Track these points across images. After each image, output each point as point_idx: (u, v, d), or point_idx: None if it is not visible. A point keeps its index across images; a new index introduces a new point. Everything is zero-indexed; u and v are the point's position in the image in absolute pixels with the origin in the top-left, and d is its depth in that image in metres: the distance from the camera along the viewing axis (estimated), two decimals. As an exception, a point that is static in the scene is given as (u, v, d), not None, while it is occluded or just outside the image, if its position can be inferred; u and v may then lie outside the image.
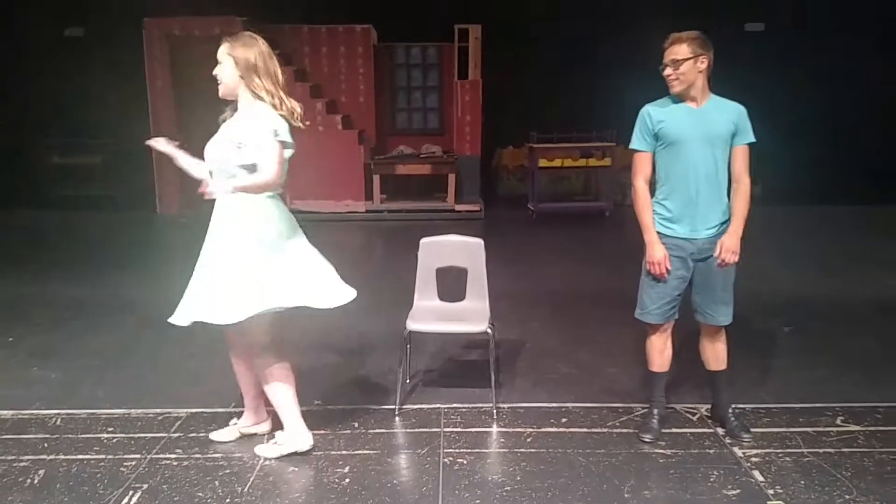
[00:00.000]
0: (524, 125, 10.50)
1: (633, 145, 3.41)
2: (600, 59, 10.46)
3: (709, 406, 3.71)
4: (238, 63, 3.10)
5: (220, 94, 3.16)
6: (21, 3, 10.66)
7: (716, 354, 3.53)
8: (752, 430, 3.55)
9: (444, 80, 11.10)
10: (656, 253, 3.31)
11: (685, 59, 3.21)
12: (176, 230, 8.81)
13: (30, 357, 4.68)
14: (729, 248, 3.25)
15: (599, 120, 10.04)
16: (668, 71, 3.26)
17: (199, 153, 3.28)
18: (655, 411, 3.57)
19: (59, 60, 10.90)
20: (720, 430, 3.57)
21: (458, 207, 10.20)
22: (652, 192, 3.42)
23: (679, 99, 3.32)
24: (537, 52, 10.82)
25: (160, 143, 3.36)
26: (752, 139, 3.32)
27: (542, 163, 10.05)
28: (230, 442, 3.48)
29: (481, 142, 10.74)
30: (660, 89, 3.36)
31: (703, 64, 3.24)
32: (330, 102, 10.39)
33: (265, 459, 3.32)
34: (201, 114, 3.26)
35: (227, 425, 3.55)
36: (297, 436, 3.35)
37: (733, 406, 3.62)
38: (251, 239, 3.09)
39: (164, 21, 9.87)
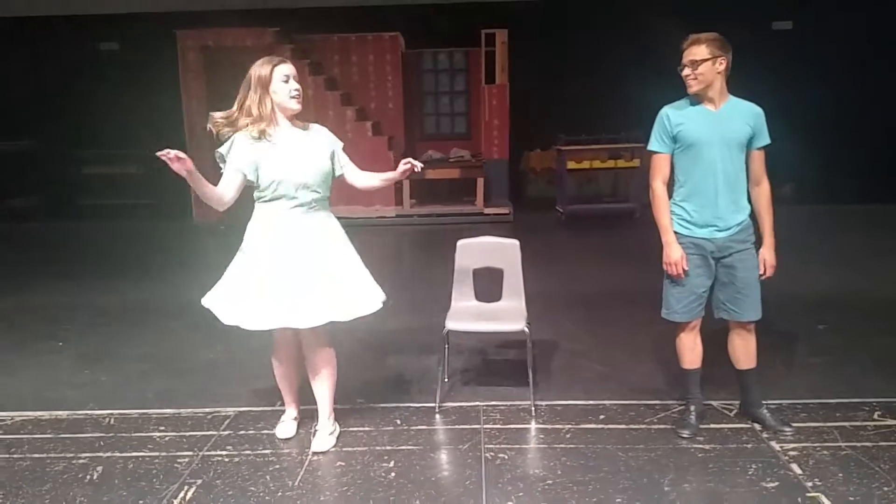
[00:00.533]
0: (551, 128, 10.56)
1: (651, 147, 3.47)
2: (627, 60, 10.49)
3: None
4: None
5: (299, 107, 3.31)
6: (57, 19, 10.96)
7: (747, 352, 3.56)
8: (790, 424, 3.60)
9: (471, 84, 11.22)
10: (673, 254, 3.39)
11: (703, 59, 3.26)
12: (214, 237, 9.02)
13: (79, 360, 4.85)
14: (771, 263, 3.40)
15: (627, 121, 10.04)
16: (686, 71, 3.31)
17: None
18: (692, 407, 3.62)
19: (95, 74, 11.22)
20: (757, 427, 3.60)
21: (487, 210, 10.29)
22: (670, 193, 3.49)
23: (697, 101, 3.37)
24: (563, 55, 10.90)
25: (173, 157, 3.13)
26: (768, 141, 3.38)
27: (571, 165, 10.10)
28: (294, 437, 3.64)
29: (509, 145, 10.84)
30: (683, 91, 3.42)
31: (721, 65, 3.28)
32: (359, 110, 10.55)
33: (314, 454, 3.43)
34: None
35: (281, 422, 3.71)
36: (334, 420, 3.64)
37: (765, 402, 3.65)
38: (348, 244, 3.46)
39: (196, 33, 10.09)
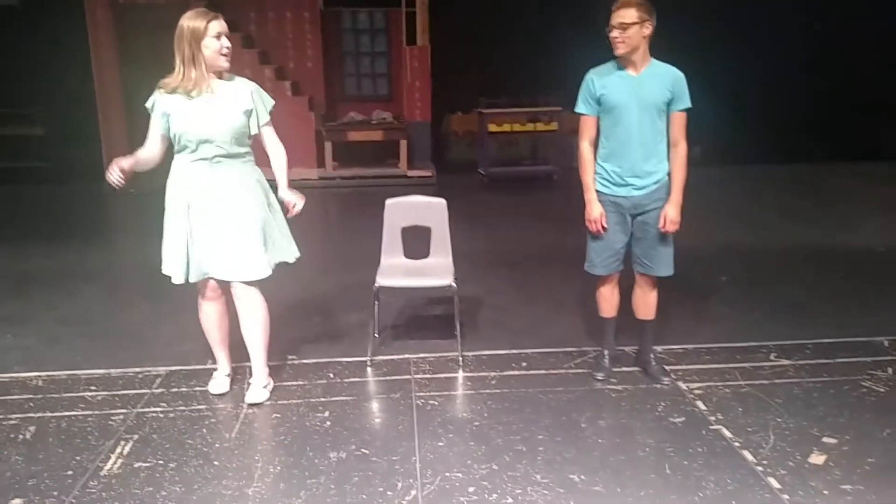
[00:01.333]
0: (473, 91, 10.69)
1: (577, 109, 3.59)
2: (548, 23, 10.70)
3: (655, 348, 4.02)
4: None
5: (227, 65, 3.34)
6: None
7: (647, 304, 3.76)
8: (695, 366, 3.93)
9: (392, 45, 11.18)
10: (593, 211, 3.55)
11: (633, 23, 3.32)
12: (126, 201, 8.77)
13: (1, 324, 4.75)
14: (672, 219, 3.48)
15: (547, 85, 10.29)
16: (615, 33, 3.36)
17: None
18: (606, 352, 3.88)
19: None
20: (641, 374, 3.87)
21: (411, 173, 10.37)
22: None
23: (620, 66, 3.46)
24: (485, 18, 10.97)
25: (116, 172, 3.27)
26: (688, 105, 3.47)
27: (492, 128, 10.28)
28: (227, 393, 3.69)
29: (431, 108, 10.90)
30: (606, 54, 3.55)
31: (647, 29, 3.36)
32: (278, 69, 10.40)
33: (249, 406, 3.52)
34: (149, 82, 3.36)
35: (213, 378, 3.75)
36: (268, 374, 3.71)
37: (654, 352, 3.91)
38: (262, 200, 3.48)
39: (107, -12, 9.68)
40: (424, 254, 4.32)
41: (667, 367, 3.89)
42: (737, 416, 3.41)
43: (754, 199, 8.73)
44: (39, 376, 3.95)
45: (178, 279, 3.42)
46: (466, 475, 2.96)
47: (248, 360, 3.66)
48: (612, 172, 3.53)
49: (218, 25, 3.26)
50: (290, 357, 4.12)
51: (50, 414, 3.53)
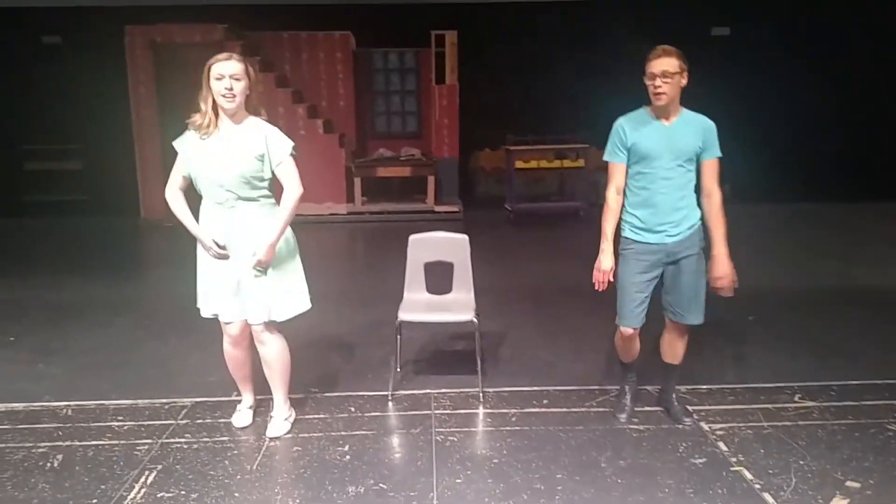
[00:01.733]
0: (500, 128, 10.84)
1: (606, 157, 3.53)
2: (573, 63, 10.84)
3: (679, 388, 4.00)
4: (250, 79, 3.32)
5: (232, 108, 3.28)
6: (-1, 11, 10.77)
7: (674, 350, 3.73)
8: (718, 407, 3.89)
9: (421, 84, 11.39)
10: (605, 262, 3.49)
11: (675, 72, 3.26)
12: (161, 234, 8.99)
13: (33, 354, 4.88)
14: (718, 275, 3.45)
15: (573, 122, 10.41)
16: (657, 82, 3.27)
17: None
18: (627, 389, 3.85)
19: (38, 68, 11.04)
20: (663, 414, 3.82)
21: (438, 208, 10.48)
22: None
23: (652, 115, 3.41)
24: (512, 58, 11.17)
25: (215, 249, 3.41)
26: (719, 154, 3.43)
27: (518, 164, 10.37)
28: (250, 426, 3.75)
29: (459, 144, 11.05)
30: (628, 94, 3.58)
31: (685, 79, 3.32)
32: (311, 107, 10.62)
33: (270, 440, 3.57)
34: (184, 119, 3.45)
35: (238, 411, 3.82)
36: (290, 406, 3.79)
37: (676, 393, 3.87)
38: (290, 244, 3.52)
39: (146, 28, 10.02)
40: (447, 289, 4.36)
41: (689, 408, 3.86)
42: (759, 457, 3.37)
43: (784, 237, 8.67)
44: (69, 405, 4.04)
45: (205, 313, 3.56)
46: (483, 512, 2.96)
47: (271, 392, 3.72)
48: (643, 219, 3.46)
49: (221, 67, 3.23)
50: (312, 390, 4.17)
51: (78, 443, 3.60)
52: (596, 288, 3.53)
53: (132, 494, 3.12)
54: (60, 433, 3.71)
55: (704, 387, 4.14)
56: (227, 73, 3.22)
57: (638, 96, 3.52)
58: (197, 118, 3.32)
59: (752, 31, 11.36)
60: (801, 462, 3.32)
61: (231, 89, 3.23)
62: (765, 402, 3.98)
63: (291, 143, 3.43)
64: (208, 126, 3.30)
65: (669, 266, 3.49)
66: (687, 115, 3.44)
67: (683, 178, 3.42)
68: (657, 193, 3.41)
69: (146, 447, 3.54)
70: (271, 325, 3.52)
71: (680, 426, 3.69)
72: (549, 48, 11.09)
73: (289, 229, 3.51)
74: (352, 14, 10.81)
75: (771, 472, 3.24)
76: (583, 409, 3.93)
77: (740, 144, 9.44)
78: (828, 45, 11.23)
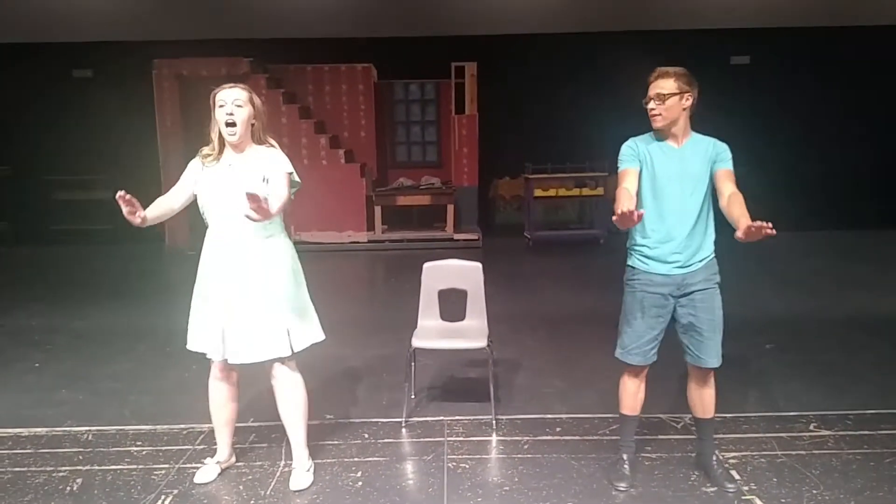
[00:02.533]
0: (519, 157, 10.93)
1: (621, 167, 3.26)
2: (591, 92, 10.91)
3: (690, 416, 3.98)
4: (255, 109, 3.28)
5: (235, 138, 3.22)
6: (32, 46, 11.11)
7: (703, 401, 3.41)
8: (732, 435, 3.87)
9: (441, 114, 11.54)
10: (623, 205, 3.01)
11: (671, 94, 3.12)
12: (184, 262, 9.12)
13: (56, 380, 4.99)
14: (750, 223, 2.89)
15: (592, 151, 10.45)
16: (651, 105, 3.17)
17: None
18: (625, 457, 3.49)
19: (69, 101, 11.38)
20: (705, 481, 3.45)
21: (457, 236, 10.55)
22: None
23: (660, 136, 3.24)
24: (531, 88, 11.30)
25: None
26: (731, 167, 3.20)
27: (538, 193, 10.43)
28: (213, 482, 3.49)
29: (478, 173, 11.17)
30: (646, 123, 3.48)
31: (687, 101, 3.15)
32: (333, 138, 10.79)
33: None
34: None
35: (204, 464, 3.58)
36: (309, 454, 3.57)
37: (717, 455, 3.51)
38: (289, 278, 3.34)
39: (173, 62, 10.29)
40: (461, 316, 4.41)
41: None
42: (771, 486, 3.35)
43: (805, 265, 8.60)
44: (90, 430, 4.13)
45: (193, 347, 3.41)
46: (492, 539, 2.98)
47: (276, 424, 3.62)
48: (651, 248, 3.24)
49: (223, 94, 3.20)
50: (327, 416, 4.22)
51: (97, 467, 3.68)
52: (628, 220, 2.89)
53: (148, 518, 3.18)
54: (81, 457, 3.80)
55: (718, 415, 4.10)
56: (228, 101, 3.19)
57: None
58: (206, 149, 3.31)
59: (772, 59, 11.38)
60: (815, 491, 3.30)
61: (232, 115, 3.18)
62: (779, 431, 3.95)
63: (291, 168, 3.33)
64: (214, 155, 3.28)
65: (681, 299, 3.24)
66: (697, 138, 3.26)
67: (695, 206, 3.19)
68: (667, 222, 3.20)
69: (163, 472, 3.61)
70: (289, 361, 3.39)
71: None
72: (567, 78, 11.20)
73: (297, 262, 3.43)
74: (374, 47, 11.03)
75: (783, 501, 3.23)
76: (595, 438, 3.93)
77: (762, 173, 9.49)
78: (848, 72, 11.22)
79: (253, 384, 3.72)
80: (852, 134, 11.24)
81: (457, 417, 4.18)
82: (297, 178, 3.38)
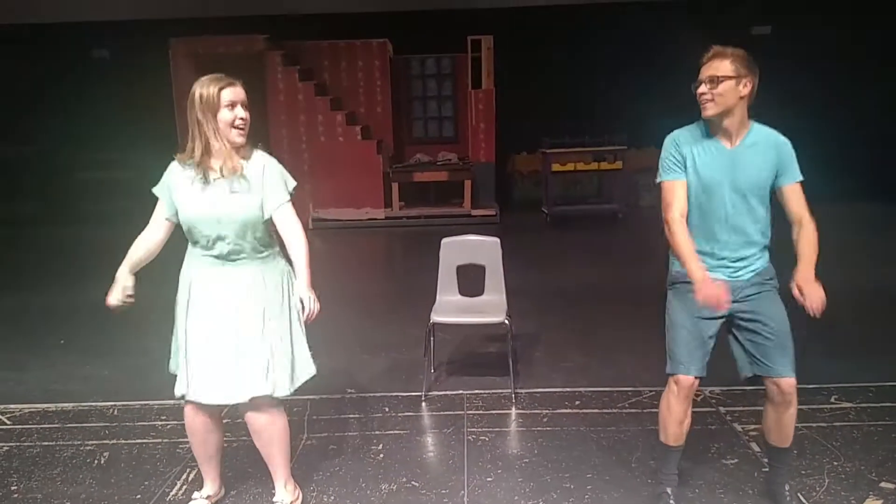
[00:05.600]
0: (536, 131, 10.85)
1: (662, 177, 2.85)
2: (609, 64, 10.80)
3: (713, 389, 3.98)
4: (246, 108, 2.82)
5: (242, 140, 2.80)
6: (49, 27, 11.17)
7: (780, 428, 2.94)
8: (752, 408, 3.86)
9: (458, 89, 11.47)
10: (706, 283, 2.64)
11: (726, 77, 2.67)
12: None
13: (82, 356, 5.08)
14: (809, 292, 2.76)
15: (610, 124, 10.36)
16: (703, 88, 2.71)
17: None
18: (669, 490, 3.00)
19: (88, 81, 11.43)
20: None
21: (475, 212, 10.54)
22: None
23: (710, 131, 2.79)
24: (547, 61, 11.20)
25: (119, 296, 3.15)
26: (800, 177, 2.84)
27: (555, 167, 10.36)
28: None
29: (495, 148, 11.11)
30: (664, 95, 3.34)
31: (745, 88, 2.70)
32: (349, 114, 10.78)
33: (308, 437, 3.61)
34: None
35: (193, 500, 3.13)
36: (295, 486, 3.17)
37: (790, 484, 3.08)
38: (277, 310, 2.89)
39: (189, 41, 10.31)
40: (479, 291, 4.42)
41: (723, 409, 3.84)
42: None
43: (828, 237, 8.35)
44: (115, 405, 4.21)
45: (179, 391, 2.93)
46: (513, 510, 3.01)
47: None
48: (698, 253, 2.80)
49: (231, 93, 2.75)
50: (348, 390, 4.27)
51: (123, 441, 3.76)
52: (720, 307, 2.67)
53: (174, 491, 3.24)
54: (107, 432, 3.87)
55: (739, 388, 4.11)
56: (238, 101, 2.76)
57: (673, 97, 3.25)
58: (191, 154, 2.77)
59: (794, 28, 11.18)
60: (836, 463, 3.30)
61: (245, 120, 2.77)
62: (800, 404, 3.82)
63: (293, 183, 2.92)
64: (209, 165, 2.77)
65: (736, 305, 2.77)
66: (757, 132, 2.79)
67: (748, 216, 2.80)
68: (713, 231, 2.81)
69: (188, 446, 3.62)
70: (263, 398, 2.86)
71: (736, 421, 3.51)
72: (584, 50, 11.08)
73: (291, 286, 2.93)
74: (389, 22, 10.95)
75: (804, 472, 3.23)
76: (615, 411, 3.94)
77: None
78: (872, 41, 10.99)
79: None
80: (880, 105, 11.02)
81: (476, 391, 4.21)
82: (293, 183, 2.92)
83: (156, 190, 2.93)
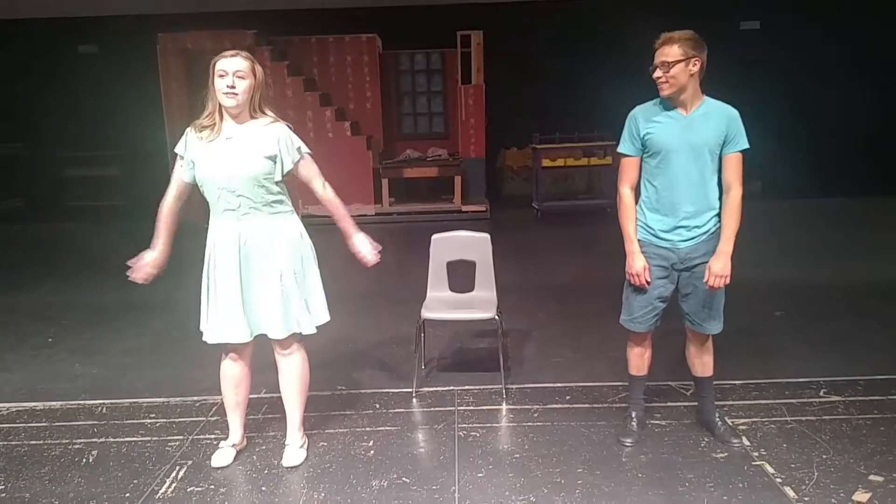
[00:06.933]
0: (527, 127, 10.85)
1: (620, 149, 3.33)
2: (599, 60, 10.78)
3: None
4: (256, 80, 3.14)
5: (234, 106, 3.10)
6: (36, 22, 11.06)
7: (702, 362, 3.51)
8: (742, 402, 3.89)
9: (447, 85, 11.45)
10: (636, 264, 3.27)
11: (676, 61, 3.06)
12: (198, 236, 9.15)
13: (71, 355, 5.04)
14: (717, 272, 3.16)
15: (600, 120, 10.35)
16: (657, 73, 3.11)
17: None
18: (634, 413, 3.59)
19: (75, 76, 11.33)
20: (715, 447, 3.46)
21: (465, 208, 10.54)
22: (637, 197, 3.37)
23: (669, 104, 3.19)
24: (537, 56, 11.17)
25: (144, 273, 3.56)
26: (746, 146, 3.18)
27: (546, 163, 10.37)
28: (230, 465, 3.41)
29: (486, 144, 11.10)
30: (655, 90, 3.42)
31: (695, 66, 3.08)
32: (339, 110, 10.74)
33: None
34: None
35: (220, 448, 3.48)
36: (304, 433, 3.55)
37: (719, 411, 3.60)
38: (287, 263, 3.25)
39: (177, 36, 10.24)
40: (469, 287, 4.41)
41: (717, 404, 3.84)
42: (781, 451, 3.37)
43: (814, 232, 8.57)
44: (104, 403, 4.18)
45: (211, 339, 3.32)
46: (503, 506, 3.00)
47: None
48: (655, 221, 3.28)
49: (224, 63, 3.06)
50: (338, 387, 4.26)
51: (112, 439, 3.73)
52: (639, 287, 3.31)
53: (163, 489, 3.22)
54: (96, 430, 3.84)
55: (728, 382, 4.13)
56: (230, 70, 3.05)
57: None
58: (202, 119, 3.16)
59: (782, 24, 11.21)
60: (824, 456, 3.31)
61: (233, 87, 3.05)
62: (789, 398, 3.96)
63: (303, 144, 3.32)
64: (213, 127, 3.14)
65: (684, 272, 3.30)
66: (709, 104, 3.20)
67: (701, 177, 3.18)
68: (672, 193, 3.21)
69: (177, 443, 3.65)
70: (295, 339, 3.36)
71: (728, 415, 3.61)
72: (574, 45, 11.05)
73: (308, 240, 3.37)
74: (378, 17, 10.92)
75: (793, 465, 3.24)
76: (605, 405, 3.95)
77: (770, 140, 9.39)
78: (858, 37, 11.02)
79: (261, 355, 3.71)
80: (867, 101, 11.06)
81: (467, 387, 4.21)
82: (307, 150, 3.33)
83: (177, 148, 3.26)
